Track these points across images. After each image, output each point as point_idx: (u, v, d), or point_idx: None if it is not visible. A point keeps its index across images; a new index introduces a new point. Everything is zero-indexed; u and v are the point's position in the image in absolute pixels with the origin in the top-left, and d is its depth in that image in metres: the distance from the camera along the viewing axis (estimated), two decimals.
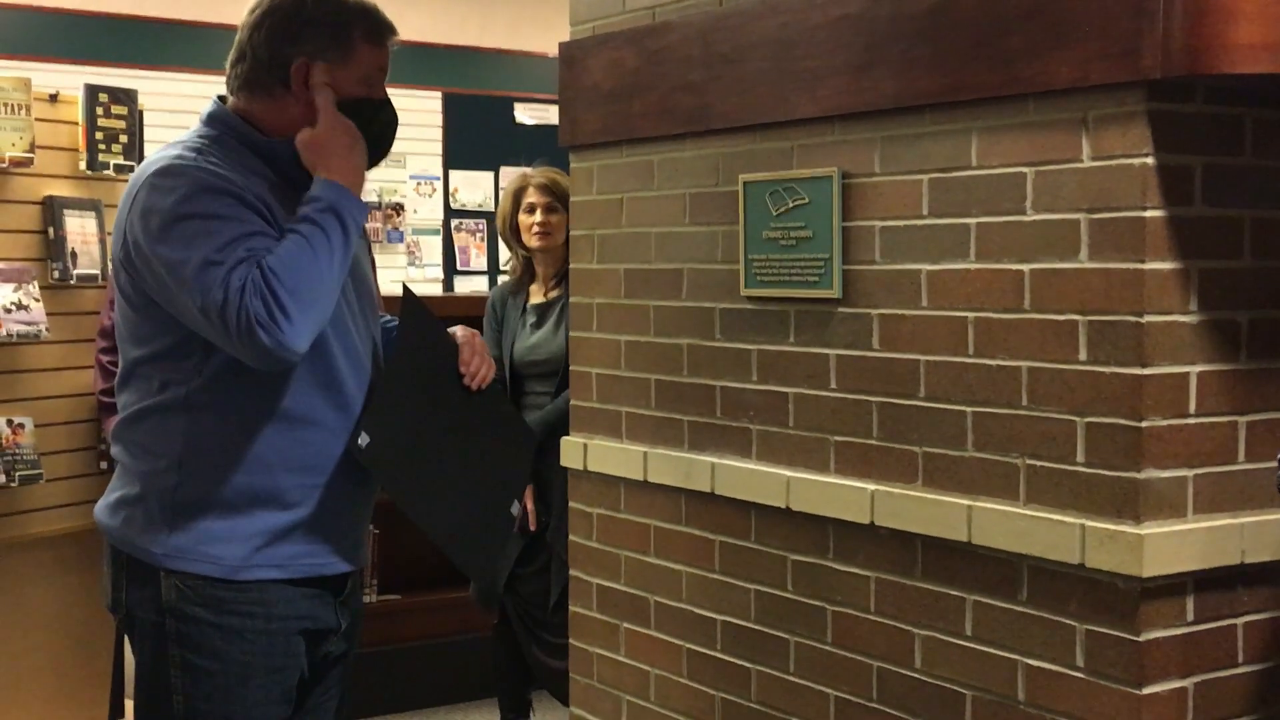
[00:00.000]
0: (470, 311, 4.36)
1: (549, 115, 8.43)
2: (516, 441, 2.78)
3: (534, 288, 4.28)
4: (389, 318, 2.65)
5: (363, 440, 2.37)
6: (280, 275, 2.21)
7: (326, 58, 2.39)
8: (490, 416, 2.66)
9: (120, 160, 4.36)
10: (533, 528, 4.11)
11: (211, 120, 2.43)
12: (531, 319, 4.21)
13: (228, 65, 2.46)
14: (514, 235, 4.30)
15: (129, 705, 4.40)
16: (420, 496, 2.50)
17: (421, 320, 2.55)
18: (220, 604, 2.34)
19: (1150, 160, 2.25)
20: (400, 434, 2.44)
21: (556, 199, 4.18)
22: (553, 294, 4.21)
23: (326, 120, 2.38)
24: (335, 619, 2.48)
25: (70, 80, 5.06)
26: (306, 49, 2.39)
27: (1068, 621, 2.37)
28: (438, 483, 2.51)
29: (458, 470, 2.56)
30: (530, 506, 4.10)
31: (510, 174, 5.43)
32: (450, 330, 2.61)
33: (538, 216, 4.20)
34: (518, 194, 4.28)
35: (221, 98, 2.48)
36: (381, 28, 2.46)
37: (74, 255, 4.23)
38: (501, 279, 4.45)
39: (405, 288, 2.65)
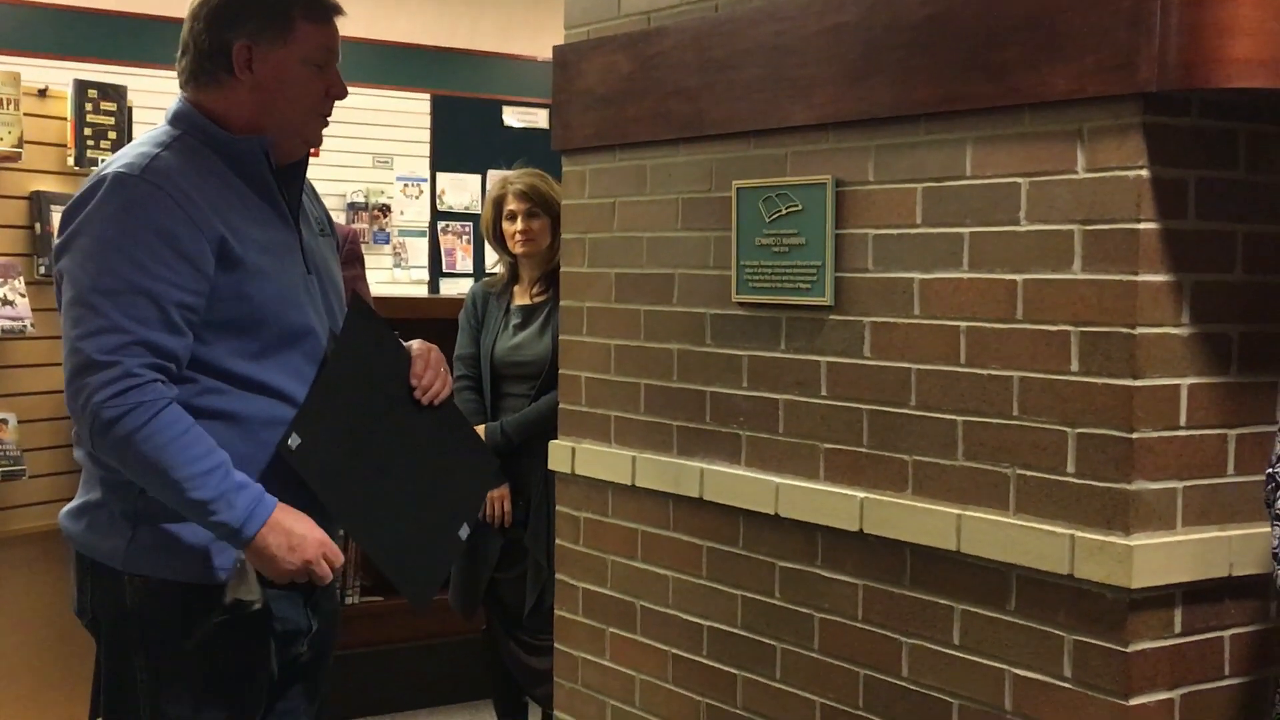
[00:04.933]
0: (455, 314, 4.35)
1: (537, 119, 8.43)
2: (474, 466, 2.71)
3: (518, 289, 4.27)
4: None
5: (293, 441, 2.32)
6: (158, 429, 2.19)
7: (266, 38, 2.37)
8: (445, 435, 2.58)
9: (109, 156, 4.33)
10: (507, 524, 4.10)
11: (176, 119, 2.41)
12: (515, 319, 4.20)
13: (176, 60, 2.44)
14: (498, 241, 4.28)
15: None
16: (355, 506, 2.43)
17: (368, 328, 2.50)
18: (185, 607, 2.32)
19: (1144, 173, 2.26)
20: (335, 439, 2.37)
21: (536, 204, 4.16)
22: (539, 297, 4.20)
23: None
24: (306, 620, 2.46)
25: (60, 76, 5.05)
26: (245, 31, 2.37)
27: (1056, 632, 2.37)
28: (376, 495, 2.44)
29: (401, 485, 2.48)
30: (506, 507, 4.09)
31: (496, 178, 5.39)
32: (407, 344, 2.56)
33: (519, 224, 4.17)
34: (498, 201, 4.26)
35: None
36: (323, 6, 2.43)
37: None
38: (488, 280, 4.43)
39: (354, 295, 2.60)
